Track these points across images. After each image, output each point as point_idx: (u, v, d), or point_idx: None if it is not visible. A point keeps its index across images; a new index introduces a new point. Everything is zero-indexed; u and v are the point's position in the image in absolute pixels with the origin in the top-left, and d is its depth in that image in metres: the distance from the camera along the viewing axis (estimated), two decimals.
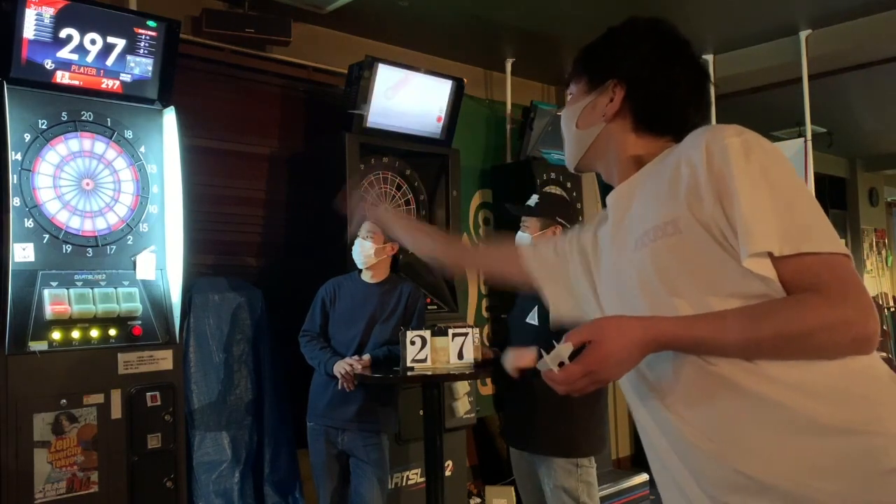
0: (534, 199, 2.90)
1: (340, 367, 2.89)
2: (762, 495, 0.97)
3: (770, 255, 0.98)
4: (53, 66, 2.72)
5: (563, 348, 1.03)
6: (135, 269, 2.88)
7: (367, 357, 2.96)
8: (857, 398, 0.97)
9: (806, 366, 0.97)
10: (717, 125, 1.08)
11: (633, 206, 1.17)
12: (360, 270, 3.16)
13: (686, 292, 1.04)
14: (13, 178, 2.62)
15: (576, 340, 1.02)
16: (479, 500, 4.17)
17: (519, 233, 2.86)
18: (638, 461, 5.32)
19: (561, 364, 1.03)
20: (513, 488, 3.84)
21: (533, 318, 2.73)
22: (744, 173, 1.00)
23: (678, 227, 1.05)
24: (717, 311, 1.01)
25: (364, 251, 3.04)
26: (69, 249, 2.74)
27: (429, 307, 3.57)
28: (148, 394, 2.79)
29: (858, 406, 0.96)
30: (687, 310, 1.03)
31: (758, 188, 0.99)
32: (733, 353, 0.99)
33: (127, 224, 2.90)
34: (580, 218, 4.70)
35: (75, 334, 2.68)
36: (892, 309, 8.15)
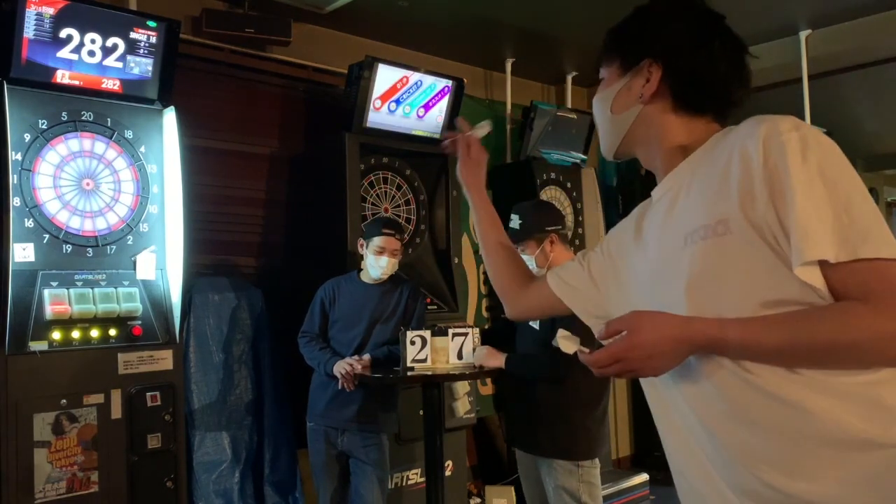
0: (515, 221, 2.82)
1: (340, 367, 2.89)
2: None
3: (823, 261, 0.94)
4: (53, 66, 2.72)
5: (563, 342, 1.09)
6: (135, 269, 2.87)
7: (367, 357, 2.96)
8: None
9: (848, 376, 0.94)
10: (774, 116, 1.02)
11: (681, 200, 1.12)
12: (359, 271, 3.16)
13: (732, 294, 1.01)
14: (13, 178, 2.62)
15: (612, 329, 1.02)
16: (479, 500, 4.17)
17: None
18: (638, 461, 5.32)
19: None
20: (513, 488, 3.84)
21: (535, 322, 2.72)
22: (800, 173, 0.95)
23: (729, 227, 1.00)
24: (758, 315, 0.97)
25: (389, 268, 3.04)
26: (69, 249, 2.74)
27: (429, 307, 3.57)
28: (148, 394, 2.79)
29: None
30: (731, 311, 1.00)
31: (814, 189, 0.94)
32: (772, 359, 0.97)
33: (127, 224, 2.90)
34: (580, 218, 4.70)
35: (75, 334, 2.68)
36: None
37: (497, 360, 2.79)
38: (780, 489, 0.96)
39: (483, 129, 1.59)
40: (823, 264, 0.94)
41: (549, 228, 2.78)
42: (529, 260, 2.77)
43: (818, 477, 0.94)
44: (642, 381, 1.17)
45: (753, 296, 0.99)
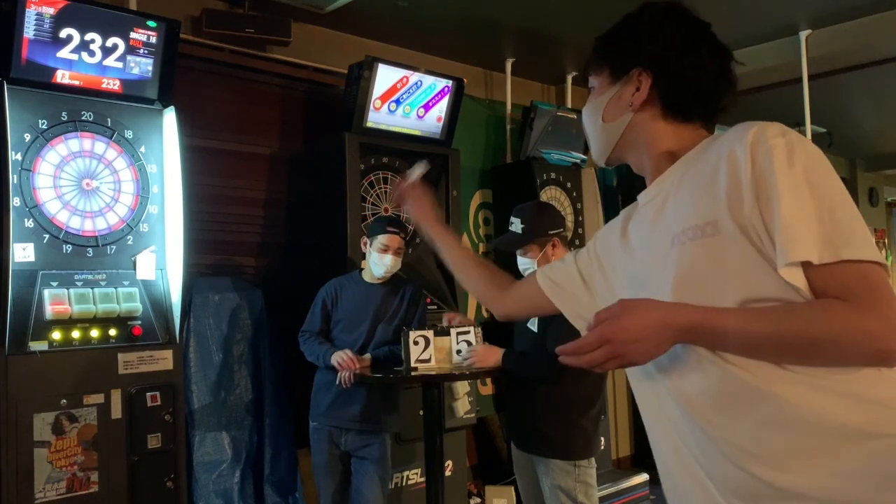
0: (517, 225, 2.78)
1: (338, 357, 2.89)
2: (780, 502, 0.97)
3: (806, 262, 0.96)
4: (53, 66, 2.72)
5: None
6: (135, 269, 2.87)
7: (367, 356, 2.96)
8: (885, 402, 0.96)
9: (831, 372, 0.96)
10: (762, 123, 1.04)
11: (669, 202, 1.13)
12: (361, 270, 3.17)
13: (719, 294, 1.02)
14: (13, 178, 2.62)
15: (599, 318, 1.02)
16: (479, 500, 4.17)
17: (519, 258, 2.78)
18: (638, 461, 5.32)
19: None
20: (513, 488, 3.84)
21: (533, 325, 2.71)
22: (786, 177, 0.98)
23: (717, 227, 1.02)
24: (743, 307, 0.99)
25: (392, 266, 3.05)
26: (69, 249, 2.74)
27: (429, 307, 3.57)
28: (148, 394, 2.79)
29: (885, 410, 0.96)
30: None
31: (800, 193, 0.97)
32: (755, 350, 0.98)
33: (127, 224, 2.90)
34: (580, 218, 4.70)
35: (75, 334, 2.68)
36: None
37: (495, 356, 2.77)
38: (768, 482, 0.97)
39: (419, 167, 1.77)
40: (806, 265, 0.96)
41: (552, 232, 2.75)
42: (531, 264, 2.75)
43: (807, 469, 0.95)
44: (630, 378, 1.19)
45: (738, 294, 1.01)
